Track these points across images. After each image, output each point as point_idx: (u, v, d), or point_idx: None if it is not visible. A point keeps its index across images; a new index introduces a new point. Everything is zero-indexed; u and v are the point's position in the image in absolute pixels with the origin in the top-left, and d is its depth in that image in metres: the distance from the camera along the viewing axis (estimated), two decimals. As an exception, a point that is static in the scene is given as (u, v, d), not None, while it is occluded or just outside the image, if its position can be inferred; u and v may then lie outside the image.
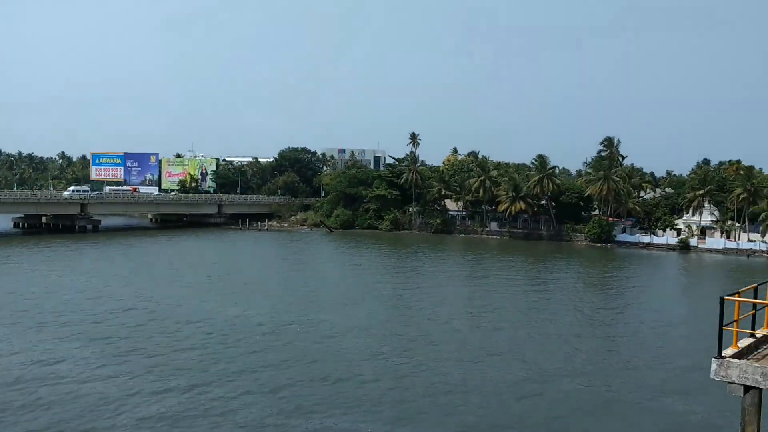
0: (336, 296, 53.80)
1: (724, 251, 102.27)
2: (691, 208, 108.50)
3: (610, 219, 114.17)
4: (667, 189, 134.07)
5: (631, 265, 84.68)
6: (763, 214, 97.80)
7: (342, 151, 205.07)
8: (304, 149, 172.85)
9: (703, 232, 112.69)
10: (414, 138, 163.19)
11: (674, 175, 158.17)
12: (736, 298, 12.03)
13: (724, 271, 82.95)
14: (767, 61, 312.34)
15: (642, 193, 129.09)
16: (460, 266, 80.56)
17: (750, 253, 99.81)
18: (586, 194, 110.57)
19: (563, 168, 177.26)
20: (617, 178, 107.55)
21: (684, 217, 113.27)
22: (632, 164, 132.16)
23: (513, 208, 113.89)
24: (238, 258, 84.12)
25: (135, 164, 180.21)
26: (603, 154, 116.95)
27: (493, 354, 35.80)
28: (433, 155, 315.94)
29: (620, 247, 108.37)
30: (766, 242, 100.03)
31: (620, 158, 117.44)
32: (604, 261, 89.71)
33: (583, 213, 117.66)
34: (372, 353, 35.05)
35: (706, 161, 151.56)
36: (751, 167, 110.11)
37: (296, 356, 33.71)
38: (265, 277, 65.61)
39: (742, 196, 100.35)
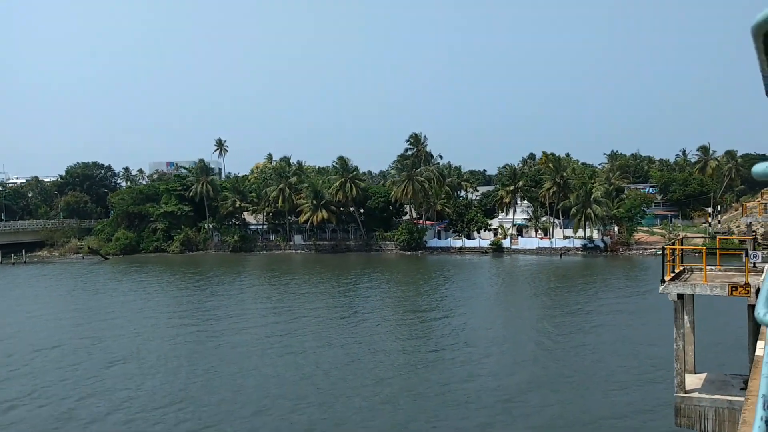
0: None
1: (538, 251, 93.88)
2: (503, 206, 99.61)
3: (427, 223, 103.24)
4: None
5: (435, 275, 72.85)
6: (573, 209, 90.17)
7: (171, 164, 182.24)
8: (96, 164, 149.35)
9: (520, 231, 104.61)
10: (221, 145, 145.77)
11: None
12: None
13: (531, 276, 72.89)
14: (598, 59, 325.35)
15: (463, 193, 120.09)
16: (254, 295, 63.45)
17: (564, 251, 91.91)
18: (392, 198, 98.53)
19: (368, 171, 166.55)
20: (422, 178, 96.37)
21: (500, 217, 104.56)
22: (449, 162, 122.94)
23: (315, 218, 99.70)
24: None
25: None
26: (410, 152, 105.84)
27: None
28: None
29: (432, 254, 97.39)
30: (581, 238, 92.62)
31: (429, 156, 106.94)
32: (412, 272, 77.64)
33: (394, 218, 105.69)
34: None
35: (532, 156, 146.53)
36: (560, 157, 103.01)
37: None
38: None
39: (552, 190, 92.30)
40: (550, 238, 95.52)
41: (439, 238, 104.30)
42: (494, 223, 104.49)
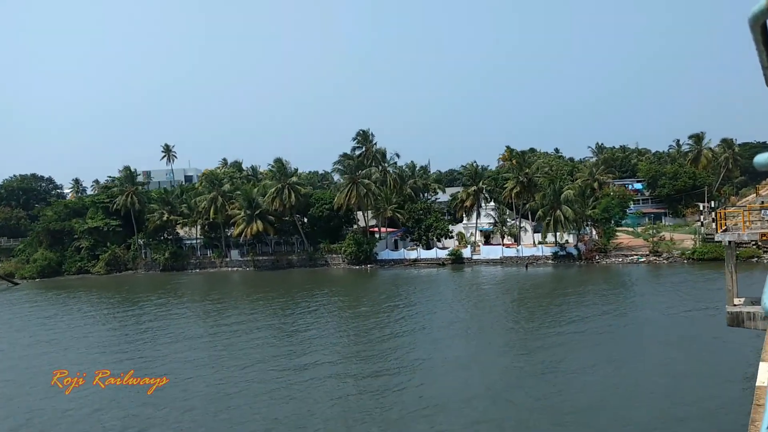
0: None
1: (503, 261, 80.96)
2: (466, 210, 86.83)
3: (387, 230, 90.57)
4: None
5: (381, 297, 59.83)
6: (540, 211, 77.36)
7: (148, 174, 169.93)
8: (35, 176, 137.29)
9: (488, 237, 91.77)
10: (168, 151, 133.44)
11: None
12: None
13: (490, 293, 59.94)
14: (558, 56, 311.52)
15: (430, 196, 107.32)
16: (184, 331, 50.79)
17: (531, 261, 78.99)
18: (335, 206, 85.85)
19: (310, 171, 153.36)
20: (369, 181, 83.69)
21: (464, 222, 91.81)
22: (411, 162, 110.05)
23: (249, 230, 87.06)
24: None
25: None
26: (358, 151, 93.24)
27: None
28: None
29: (384, 267, 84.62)
30: (551, 245, 79.72)
31: (380, 155, 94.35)
32: (357, 292, 65.07)
33: (345, 227, 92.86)
34: None
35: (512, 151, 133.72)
36: (524, 153, 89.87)
37: None
38: None
39: (515, 190, 79.44)
40: (518, 245, 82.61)
41: (396, 248, 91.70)
42: (460, 228, 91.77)
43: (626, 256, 75.28)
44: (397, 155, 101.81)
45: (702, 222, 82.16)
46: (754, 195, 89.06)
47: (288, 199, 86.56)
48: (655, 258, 73.19)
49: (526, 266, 76.15)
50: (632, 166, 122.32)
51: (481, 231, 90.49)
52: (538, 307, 50.77)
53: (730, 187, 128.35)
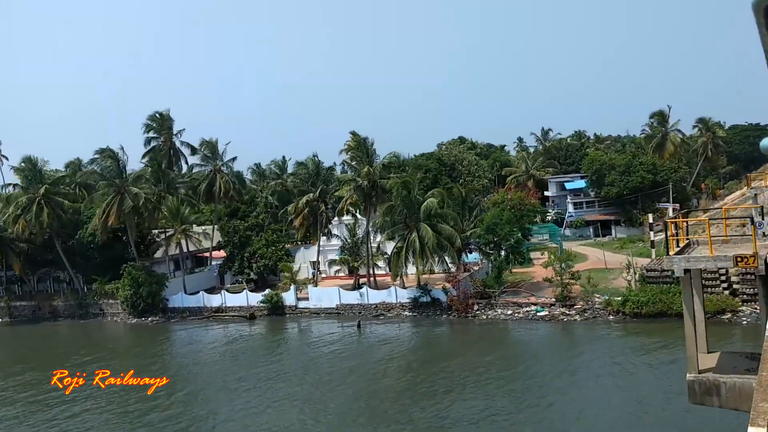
0: None
1: (339, 311, 52.01)
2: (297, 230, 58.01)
3: (220, 254, 62.25)
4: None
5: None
6: (385, 233, 48.78)
7: None
8: None
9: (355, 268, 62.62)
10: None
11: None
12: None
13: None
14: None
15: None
16: None
17: (380, 311, 50.14)
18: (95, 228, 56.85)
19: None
20: (137, 190, 54.80)
21: (302, 249, 63.06)
22: (283, 157, 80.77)
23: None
24: None
25: None
26: (154, 144, 64.34)
27: None
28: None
29: (177, 322, 56.05)
30: (411, 287, 50.58)
31: (189, 149, 65.64)
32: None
33: (144, 253, 63.82)
34: None
35: (461, 139, 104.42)
36: (366, 140, 59.56)
37: None
38: None
39: (349, 201, 50.57)
40: (370, 285, 53.63)
41: (222, 283, 63.14)
42: (307, 256, 62.92)
43: (519, 306, 46.13)
44: (226, 147, 71.69)
45: (652, 239, 52.93)
46: (745, 189, 58.48)
47: (46, 219, 57.83)
48: (564, 311, 44.17)
49: (359, 325, 46.92)
50: (582, 158, 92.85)
51: (324, 262, 61.88)
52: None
53: (715, 179, 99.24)
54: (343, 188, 50.48)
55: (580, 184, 78.65)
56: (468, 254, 53.32)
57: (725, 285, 41.10)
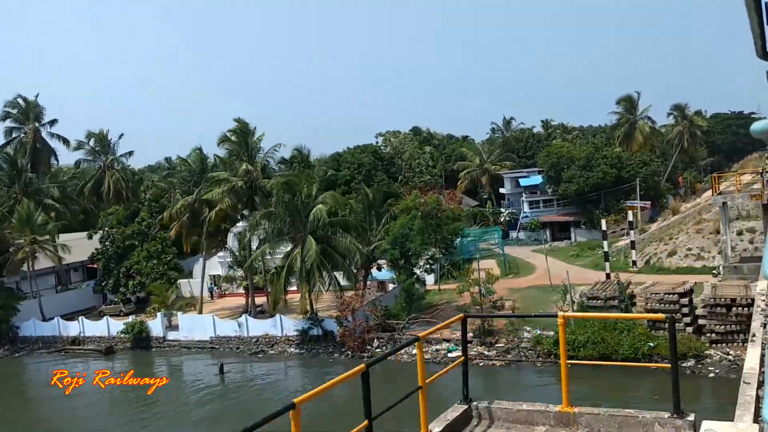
0: None
1: (213, 345, 41.56)
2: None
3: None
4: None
5: None
6: (262, 249, 38.29)
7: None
8: None
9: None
10: None
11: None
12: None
13: None
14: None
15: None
16: None
17: (259, 348, 39.79)
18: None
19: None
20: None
21: (200, 261, 52.52)
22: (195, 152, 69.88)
23: None
24: None
25: None
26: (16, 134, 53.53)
27: None
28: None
29: (25, 355, 45.46)
30: (302, 317, 40.16)
31: (54, 139, 54.93)
32: None
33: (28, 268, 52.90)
34: None
35: (427, 134, 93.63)
36: (248, 128, 48.75)
37: None
38: None
39: (225, 203, 40.10)
40: (254, 311, 43.32)
41: (104, 302, 52.53)
42: (209, 269, 52.34)
43: (429, 343, 35.86)
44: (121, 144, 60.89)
45: (605, 249, 42.81)
46: (709, 193, 48.24)
47: None
48: (481, 352, 33.96)
49: (221, 369, 36.35)
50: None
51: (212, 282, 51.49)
52: None
53: (694, 172, 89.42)
54: (214, 190, 39.78)
55: (537, 180, 68.40)
56: (378, 270, 42.93)
57: (688, 320, 30.88)
